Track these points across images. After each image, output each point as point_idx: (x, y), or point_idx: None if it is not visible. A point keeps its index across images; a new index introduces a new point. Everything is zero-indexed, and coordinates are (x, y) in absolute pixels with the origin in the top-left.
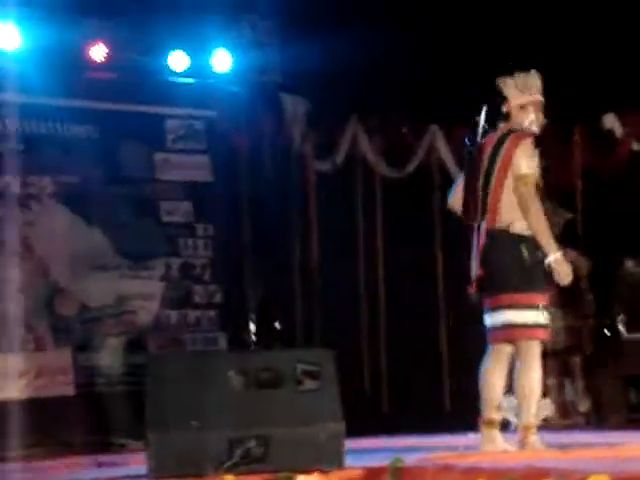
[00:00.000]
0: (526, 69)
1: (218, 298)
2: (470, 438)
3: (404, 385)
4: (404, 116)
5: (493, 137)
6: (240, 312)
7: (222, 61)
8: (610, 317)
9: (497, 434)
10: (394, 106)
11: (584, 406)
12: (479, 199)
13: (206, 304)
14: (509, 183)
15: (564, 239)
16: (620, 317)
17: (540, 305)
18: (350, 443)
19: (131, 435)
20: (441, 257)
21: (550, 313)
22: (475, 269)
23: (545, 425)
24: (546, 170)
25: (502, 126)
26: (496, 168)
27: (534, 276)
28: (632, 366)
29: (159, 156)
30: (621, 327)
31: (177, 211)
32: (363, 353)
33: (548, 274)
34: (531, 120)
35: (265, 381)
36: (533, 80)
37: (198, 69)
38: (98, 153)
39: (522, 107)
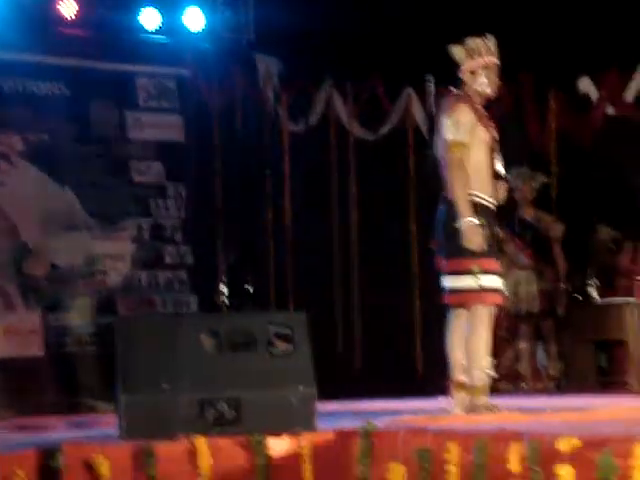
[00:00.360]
0: (499, 34)
1: (189, 259)
2: (441, 401)
3: (377, 348)
4: (378, 78)
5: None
6: (211, 274)
7: (194, 19)
8: (582, 282)
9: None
10: (368, 68)
11: (555, 370)
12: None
13: (177, 265)
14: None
15: (538, 203)
16: (592, 282)
17: (475, 270)
18: (322, 406)
19: (101, 396)
20: (414, 220)
21: (502, 277)
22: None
23: (517, 389)
24: (521, 134)
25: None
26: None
27: (453, 243)
28: (603, 331)
29: (130, 115)
30: (593, 292)
31: (148, 171)
32: (336, 316)
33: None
34: (481, 83)
35: (237, 343)
36: (482, 44)
37: (170, 27)
38: (68, 111)
39: (472, 72)
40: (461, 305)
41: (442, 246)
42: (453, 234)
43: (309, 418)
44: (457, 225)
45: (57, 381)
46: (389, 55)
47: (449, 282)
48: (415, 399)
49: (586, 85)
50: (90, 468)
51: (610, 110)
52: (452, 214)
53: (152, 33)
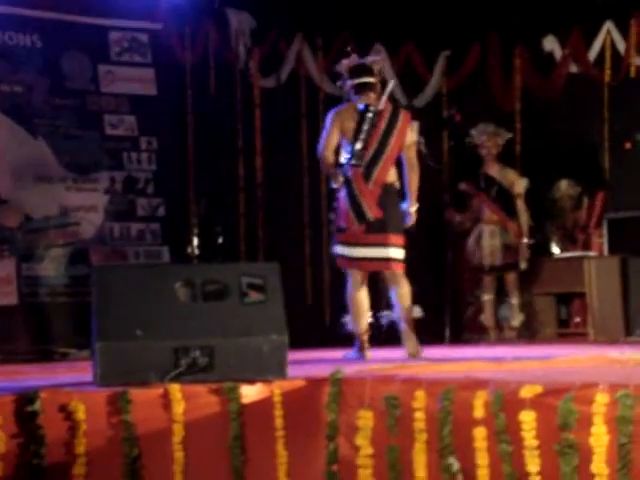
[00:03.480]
0: None
1: (161, 212)
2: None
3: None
4: (349, 34)
5: (386, 108)
6: (183, 226)
7: None
8: (544, 236)
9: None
10: (339, 24)
11: (517, 321)
12: (369, 154)
13: (149, 217)
14: (398, 150)
15: (503, 158)
16: (553, 236)
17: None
18: (292, 355)
19: (73, 345)
20: None
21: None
22: (369, 210)
23: (480, 339)
24: (486, 91)
25: (374, 95)
26: (394, 135)
27: (403, 223)
28: (563, 283)
29: (103, 68)
30: (554, 246)
31: (121, 124)
32: (306, 270)
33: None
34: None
35: (211, 293)
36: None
37: None
38: (42, 63)
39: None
40: (387, 270)
41: (387, 224)
42: (402, 216)
43: (280, 366)
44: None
45: (30, 330)
46: (360, 10)
47: (390, 253)
48: (382, 349)
49: (551, 43)
50: (66, 413)
51: (573, 68)
52: (399, 200)
53: None
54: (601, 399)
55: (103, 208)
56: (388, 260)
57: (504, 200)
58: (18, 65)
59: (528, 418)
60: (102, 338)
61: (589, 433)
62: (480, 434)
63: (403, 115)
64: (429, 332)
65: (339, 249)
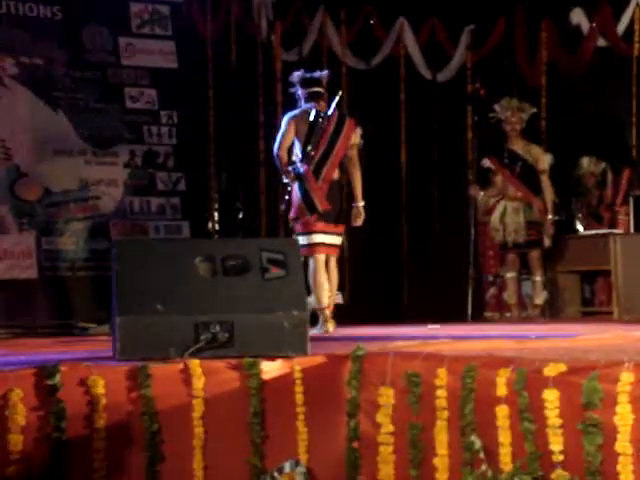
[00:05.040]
0: None
1: (182, 186)
2: (430, 328)
3: (365, 278)
4: (372, 8)
5: (334, 114)
6: (203, 200)
7: None
8: (569, 213)
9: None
10: None
11: (540, 299)
12: (318, 155)
13: (169, 192)
14: (343, 151)
15: (527, 134)
16: (578, 213)
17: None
18: (313, 331)
19: (93, 319)
20: (404, 148)
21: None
22: (320, 204)
23: (502, 317)
24: (511, 66)
25: (323, 103)
26: (340, 138)
27: (347, 215)
28: (588, 262)
29: (124, 40)
30: (579, 223)
31: (141, 97)
32: None
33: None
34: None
35: (231, 268)
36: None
37: None
38: (63, 36)
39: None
40: (333, 254)
41: (336, 215)
42: (344, 208)
43: (301, 342)
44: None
45: (50, 304)
46: None
47: (338, 240)
48: (403, 327)
49: (578, 16)
50: (86, 387)
51: (601, 42)
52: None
53: None
54: (626, 378)
55: (123, 182)
56: (335, 246)
57: (529, 176)
58: (38, 37)
59: (551, 397)
60: (122, 312)
61: (614, 412)
62: (502, 412)
63: (348, 121)
64: (451, 310)
65: (300, 239)
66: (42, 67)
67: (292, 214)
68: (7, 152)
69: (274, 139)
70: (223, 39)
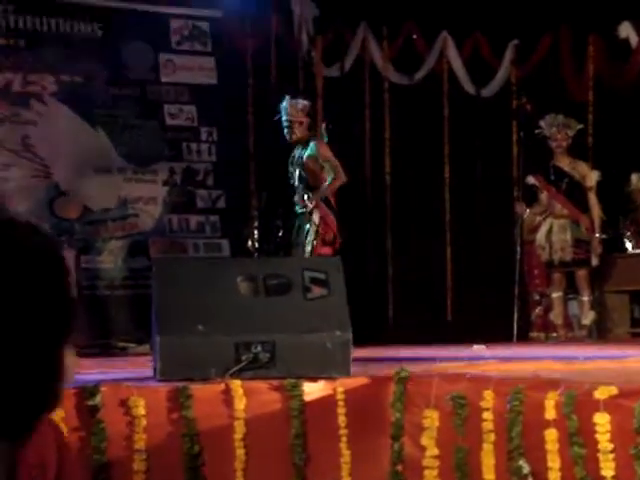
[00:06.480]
0: None
1: (221, 204)
2: (474, 349)
3: (408, 297)
4: (414, 22)
5: None
6: (243, 218)
7: None
8: (617, 231)
9: None
10: (404, 12)
11: (588, 320)
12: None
13: (209, 209)
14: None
15: (574, 150)
16: (627, 232)
17: None
18: (355, 352)
19: (133, 339)
20: (448, 164)
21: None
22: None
23: (548, 338)
24: (557, 81)
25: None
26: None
27: None
28: (637, 281)
29: (163, 57)
30: (627, 241)
31: (181, 114)
32: (369, 265)
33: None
34: None
35: (273, 288)
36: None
37: None
38: (102, 53)
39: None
40: None
41: None
42: None
43: (344, 363)
44: None
45: (89, 323)
46: None
47: None
48: (447, 347)
49: (627, 30)
50: (127, 408)
51: None
52: None
53: None
54: None
55: (162, 200)
56: None
57: (575, 194)
58: (78, 54)
59: (602, 420)
60: (163, 332)
61: None
62: (551, 436)
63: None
64: (496, 329)
65: None
66: (82, 84)
67: (332, 233)
68: (47, 170)
69: None
70: (263, 55)
